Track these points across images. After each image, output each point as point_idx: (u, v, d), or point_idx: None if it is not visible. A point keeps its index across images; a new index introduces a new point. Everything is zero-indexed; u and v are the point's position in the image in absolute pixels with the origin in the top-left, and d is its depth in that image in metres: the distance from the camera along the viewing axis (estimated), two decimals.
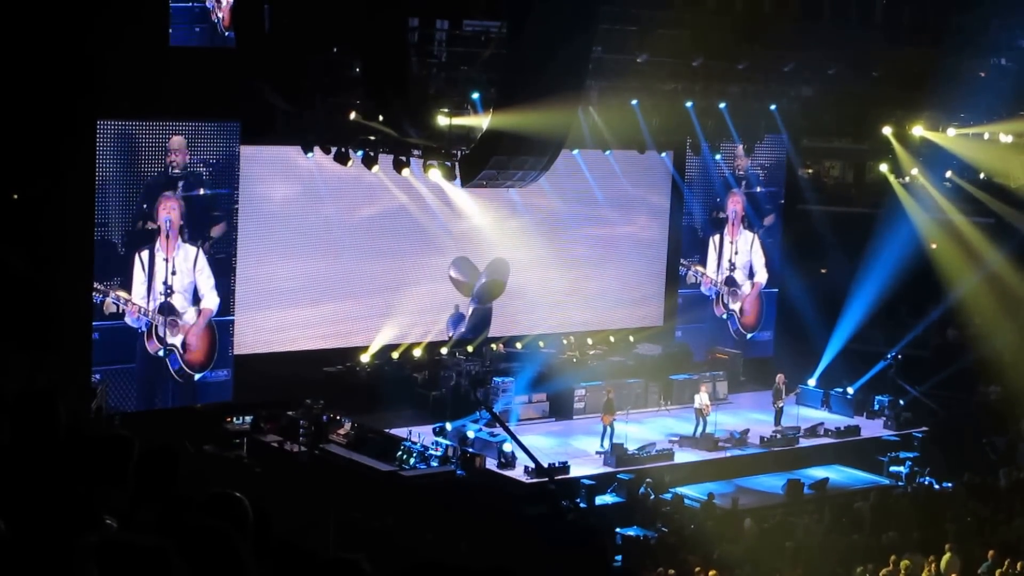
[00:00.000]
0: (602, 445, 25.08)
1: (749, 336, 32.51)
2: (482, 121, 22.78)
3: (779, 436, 26.63)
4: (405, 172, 25.12)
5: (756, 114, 29.92)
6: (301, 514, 17.12)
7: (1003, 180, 31.70)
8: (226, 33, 24.11)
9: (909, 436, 27.48)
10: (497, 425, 25.12)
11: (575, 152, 28.32)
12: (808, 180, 34.17)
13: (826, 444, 27.05)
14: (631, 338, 30.72)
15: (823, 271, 32.26)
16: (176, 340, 24.65)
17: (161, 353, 24.45)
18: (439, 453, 23.22)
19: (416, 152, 24.26)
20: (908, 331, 30.83)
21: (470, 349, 28.33)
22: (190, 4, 23.89)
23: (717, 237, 31.94)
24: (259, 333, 26.01)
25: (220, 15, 24.07)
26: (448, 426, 24.95)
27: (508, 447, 23.85)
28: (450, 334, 28.44)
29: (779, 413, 27.67)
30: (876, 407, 28.91)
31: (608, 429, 25.28)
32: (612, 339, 30.54)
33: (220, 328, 25.19)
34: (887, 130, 31.41)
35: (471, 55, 23.87)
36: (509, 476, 23.41)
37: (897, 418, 28.30)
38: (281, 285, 26.24)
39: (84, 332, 23.43)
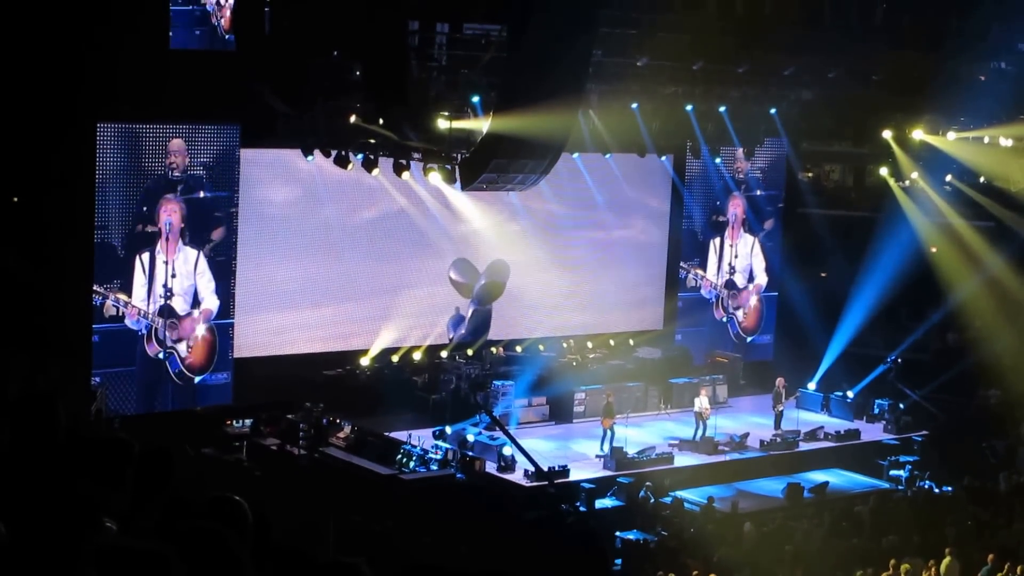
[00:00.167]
0: (602, 449, 25.08)
1: (749, 340, 32.51)
2: (482, 124, 22.78)
3: (779, 440, 26.64)
4: (405, 175, 25.12)
5: (756, 118, 29.93)
6: (301, 517, 17.12)
7: (1003, 184, 31.71)
8: (226, 36, 24.12)
9: (909, 440, 27.49)
10: (497, 428, 25.10)
11: (575, 155, 28.33)
12: (808, 184, 34.17)
13: (826, 448, 27.05)
14: (631, 341, 30.72)
15: (823, 275, 32.27)
16: (176, 343, 24.65)
17: (161, 356, 24.45)
18: (439, 456, 23.22)
19: (416, 155, 24.26)
20: (908, 335, 30.83)
21: (470, 352, 28.33)
22: (190, 7, 23.89)
23: (717, 240, 31.95)
24: (259, 336, 26.01)
25: (220, 18, 24.08)
26: (448, 429, 24.94)
27: (508, 450, 23.84)
28: (450, 336, 28.45)
29: (779, 417, 27.68)
30: (876, 411, 28.91)
31: (608, 433, 25.28)
32: (612, 342, 30.54)
33: (220, 331, 25.19)
34: (887, 134, 31.42)
35: (471, 58, 23.89)
36: (509, 480, 23.40)
37: (897, 422, 28.30)
38: (281, 288, 26.24)
39: (84, 335, 23.43)
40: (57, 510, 3.55)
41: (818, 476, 25.49)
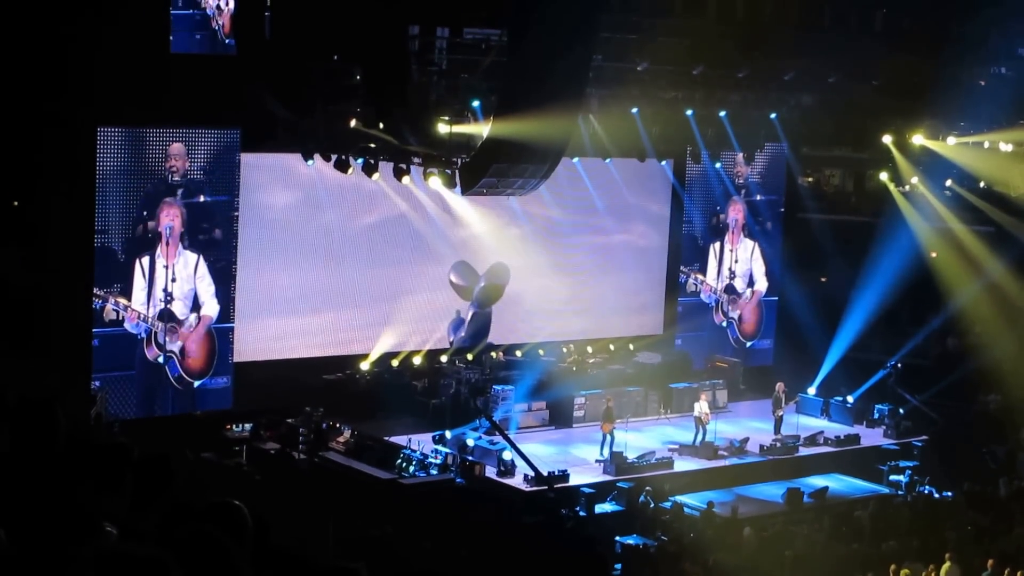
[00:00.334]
0: (602, 453, 25.07)
1: (749, 344, 32.51)
2: (482, 129, 22.79)
3: (779, 445, 26.62)
4: (405, 180, 25.14)
5: (756, 122, 29.94)
6: (300, 522, 17.12)
7: (1003, 189, 31.72)
8: (227, 40, 24.13)
9: (909, 445, 27.47)
10: (496, 433, 25.10)
11: (575, 160, 28.34)
12: (808, 188, 34.19)
13: (826, 453, 27.03)
14: (631, 346, 30.71)
15: (823, 279, 32.27)
16: (175, 347, 24.65)
17: (160, 360, 24.44)
18: (439, 461, 23.20)
19: (416, 160, 24.27)
20: (908, 340, 30.83)
21: (470, 357, 28.34)
22: (191, 11, 23.90)
23: (717, 245, 31.96)
24: (259, 340, 26.00)
25: (221, 22, 24.09)
26: (448, 434, 24.92)
27: (507, 455, 23.83)
28: (451, 339, 28.47)
29: (779, 422, 27.66)
30: (876, 416, 28.91)
31: (608, 437, 25.27)
32: (612, 347, 30.53)
33: (220, 335, 25.19)
34: (887, 139, 31.44)
35: (472, 63, 23.91)
36: (508, 484, 23.38)
37: (897, 427, 28.29)
38: (281, 292, 26.24)
39: (84, 338, 23.43)
40: (56, 515, 3.55)
41: (818, 481, 25.48)
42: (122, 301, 23.91)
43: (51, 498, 3.87)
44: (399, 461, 23.19)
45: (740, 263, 32.29)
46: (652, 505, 22.78)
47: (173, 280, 24.43)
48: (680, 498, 23.41)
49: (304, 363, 26.40)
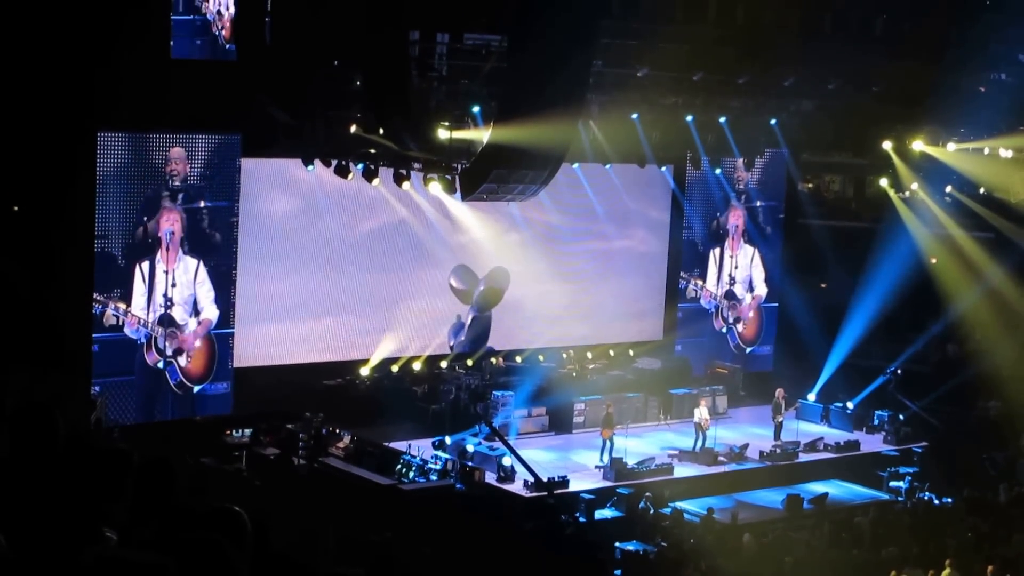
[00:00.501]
0: (601, 459, 25.06)
1: (749, 350, 32.51)
2: (482, 135, 22.81)
3: (779, 451, 26.61)
4: (405, 185, 25.15)
5: (756, 128, 29.97)
6: (300, 527, 17.10)
7: (1003, 195, 31.73)
8: (227, 46, 24.14)
9: (909, 451, 27.47)
10: (496, 439, 25.09)
11: (575, 166, 28.35)
12: (808, 194, 34.20)
13: (825, 459, 27.02)
14: (631, 352, 30.72)
15: (823, 285, 32.28)
16: (175, 352, 24.64)
17: (160, 365, 24.44)
18: (438, 467, 23.19)
19: (416, 165, 24.29)
20: (908, 346, 30.82)
21: (470, 362, 28.34)
22: (191, 16, 23.91)
23: (717, 251, 31.96)
24: (259, 346, 26.00)
25: (221, 28, 24.10)
26: (447, 440, 24.92)
27: (507, 461, 23.82)
28: (451, 344, 28.48)
29: (779, 428, 27.66)
30: (876, 422, 28.89)
31: (607, 443, 25.26)
32: (612, 353, 30.53)
33: (220, 340, 25.19)
34: (887, 145, 31.45)
35: (472, 69, 23.92)
36: (508, 490, 23.38)
37: (897, 433, 28.28)
38: (281, 298, 26.23)
39: (84, 344, 23.42)
40: (56, 521, 3.55)
41: (818, 487, 25.47)
42: (122, 306, 23.91)
43: (51, 503, 3.87)
44: (399, 467, 23.18)
45: (740, 269, 32.29)
46: (652, 511, 22.76)
47: (173, 285, 24.43)
48: (680, 504, 23.40)
49: (304, 368, 26.40)
